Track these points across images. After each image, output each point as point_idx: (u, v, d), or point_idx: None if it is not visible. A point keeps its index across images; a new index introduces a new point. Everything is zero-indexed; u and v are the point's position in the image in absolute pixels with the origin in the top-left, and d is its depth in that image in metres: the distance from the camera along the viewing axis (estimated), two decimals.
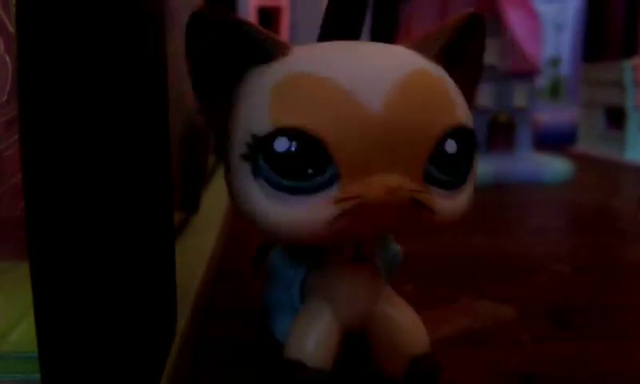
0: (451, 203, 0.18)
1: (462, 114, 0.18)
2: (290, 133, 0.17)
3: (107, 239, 0.16)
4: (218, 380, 0.24)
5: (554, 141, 1.06)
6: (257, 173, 0.18)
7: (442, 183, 0.18)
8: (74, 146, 0.15)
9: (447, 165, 0.18)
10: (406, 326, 0.21)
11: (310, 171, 0.17)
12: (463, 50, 0.20)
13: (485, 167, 0.69)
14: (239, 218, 0.19)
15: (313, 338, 0.20)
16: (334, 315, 0.21)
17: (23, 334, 0.21)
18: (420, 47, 0.19)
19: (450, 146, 0.17)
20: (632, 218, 0.57)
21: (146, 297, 0.18)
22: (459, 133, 0.18)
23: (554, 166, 0.74)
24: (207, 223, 0.43)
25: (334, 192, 0.17)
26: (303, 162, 0.17)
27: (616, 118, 0.95)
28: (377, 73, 0.17)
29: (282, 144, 0.17)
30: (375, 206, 0.16)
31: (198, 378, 0.24)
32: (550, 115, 1.14)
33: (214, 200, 0.51)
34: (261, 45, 0.19)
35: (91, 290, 0.16)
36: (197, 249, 0.36)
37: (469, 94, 0.20)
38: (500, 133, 0.76)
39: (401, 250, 0.25)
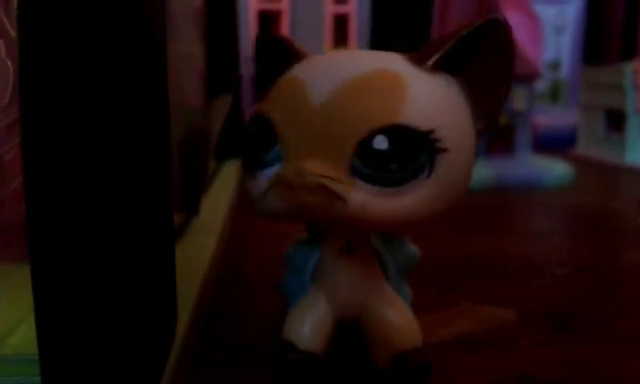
0: (386, 202, 0.18)
1: (413, 115, 0.18)
2: (256, 116, 0.20)
3: (107, 242, 0.16)
4: (218, 382, 0.24)
5: (554, 144, 1.06)
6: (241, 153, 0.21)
7: (371, 178, 0.18)
8: (75, 149, 0.15)
9: (374, 160, 0.18)
10: (396, 321, 0.22)
11: (261, 148, 0.20)
12: (473, 58, 0.20)
13: (485, 170, 0.69)
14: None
15: (307, 322, 0.22)
16: (328, 303, 0.22)
17: (24, 336, 0.21)
18: (418, 56, 0.20)
19: (379, 143, 0.18)
20: (632, 221, 0.57)
21: (146, 299, 0.18)
22: (396, 131, 0.18)
23: (554, 169, 0.74)
24: (208, 226, 0.43)
25: (274, 170, 0.19)
26: (259, 140, 0.20)
27: (616, 121, 0.95)
28: (333, 73, 0.19)
29: (252, 126, 0.21)
30: (286, 185, 0.18)
31: (198, 380, 0.24)
32: (550, 118, 1.14)
33: (215, 203, 0.51)
34: (289, 54, 0.22)
35: (92, 292, 0.16)
36: (197, 251, 0.36)
37: (490, 99, 0.20)
38: (500, 136, 0.75)
39: (418, 252, 0.25)
